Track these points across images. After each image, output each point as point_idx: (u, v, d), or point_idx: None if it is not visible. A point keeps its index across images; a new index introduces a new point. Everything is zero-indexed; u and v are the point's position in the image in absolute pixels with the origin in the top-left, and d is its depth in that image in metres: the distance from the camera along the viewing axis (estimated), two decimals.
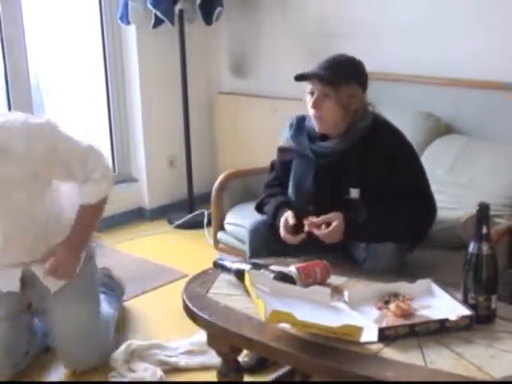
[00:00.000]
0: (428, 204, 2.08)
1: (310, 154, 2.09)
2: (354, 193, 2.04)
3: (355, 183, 2.03)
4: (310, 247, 2.02)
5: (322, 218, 1.99)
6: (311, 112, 2.05)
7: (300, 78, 2.04)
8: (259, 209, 2.24)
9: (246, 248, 2.21)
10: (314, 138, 2.10)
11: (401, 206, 1.99)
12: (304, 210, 2.05)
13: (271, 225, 2.11)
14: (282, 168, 2.22)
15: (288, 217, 2.03)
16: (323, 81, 2.00)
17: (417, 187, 2.06)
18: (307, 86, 2.05)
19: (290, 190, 2.17)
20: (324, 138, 2.10)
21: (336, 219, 1.97)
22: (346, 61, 2.05)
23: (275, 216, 2.09)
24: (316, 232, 1.97)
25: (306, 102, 2.06)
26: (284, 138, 2.21)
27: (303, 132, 2.13)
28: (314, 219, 1.98)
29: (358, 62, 2.07)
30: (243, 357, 2.02)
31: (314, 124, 2.07)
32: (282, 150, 2.22)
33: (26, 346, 2.15)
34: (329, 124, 2.04)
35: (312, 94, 2.03)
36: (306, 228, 1.98)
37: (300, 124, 2.16)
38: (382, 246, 1.98)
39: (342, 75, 2.00)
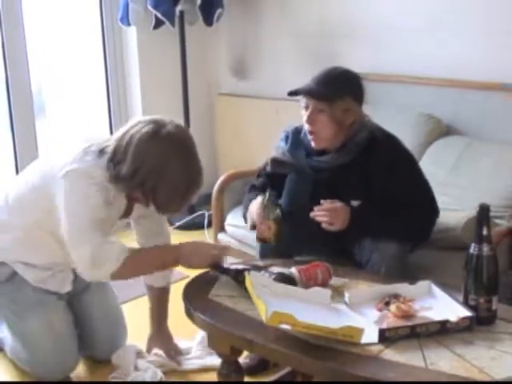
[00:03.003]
0: (431, 206, 2.08)
1: (308, 170, 2.06)
2: (356, 203, 2.03)
3: (356, 196, 2.02)
4: (319, 250, 2.03)
5: (329, 204, 1.97)
6: (306, 127, 2.03)
7: (294, 93, 2.02)
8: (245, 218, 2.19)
9: (252, 249, 2.21)
10: (311, 153, 2.08)
11: (404, 209, 1.99)
12: (298, 228, 2.02)
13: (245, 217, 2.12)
14: (273, 179, 2.15)
15: (256, 200, 2.02)
16: (317, 97, 1.98)
17: (419, 191, 2.06)
18: (302, 100, 2.02)
19: (283, 204, 2.10)
20: (322, 152, 2.08)
21: (341, 204, 1.96)
22: (340, 75, 2.03)
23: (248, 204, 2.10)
24: (320, 213, 1.95)
25: (301, 115, 2.05)
26: (279, 150, 2.17)
27: (300, 146, 2.10)
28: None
29: (354, 74, 2.05)
30: (244, 358, 2.02)
31: (309, 140, 2.05)
32: (276, 162, 2.16)
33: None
34: (324, 140, 2.03)
35: (306, 108, 2.01)
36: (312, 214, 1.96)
37: (296, 137, 2.13)
38: (386, 246, 1.98)
39: (336, 90, 1.98)
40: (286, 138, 2.16)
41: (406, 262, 2.06)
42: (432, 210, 2.08)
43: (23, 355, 2.11)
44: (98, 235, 1.84)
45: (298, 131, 2.14)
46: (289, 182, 2.11)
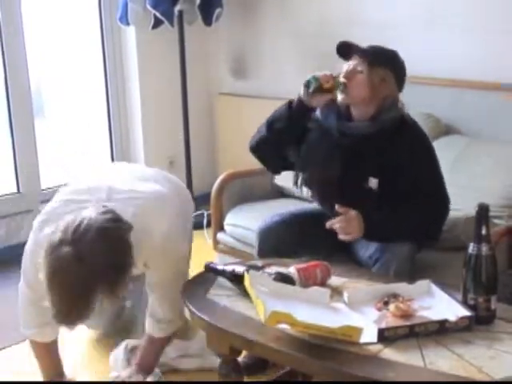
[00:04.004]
0: (443, 201, 2.08)
1: (335, 132, 2.06)
2: (373, 183, 2.02)
3: (375, 172, 2.02)
4: (319, 248, 2.03)
5: (343, 209, 1.96)
6: (341, 80, 2.02)
7: (340, 48, 2.04)
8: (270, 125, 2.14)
9: (251, 248, 2.21)
10: (341, 118, 2.09)
11: (417, 204, 1.99)
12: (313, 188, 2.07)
13: (289, 110, 2.05)
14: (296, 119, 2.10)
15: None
16: (360, 56, 2.01)
17: (435, 184, 2.07)
18: (346, 63, 2.05)
19: (299, 160, 2.13)
20: (351, 119, 2.09)
21: (355, 213, 1.96)
22: (388, 50, 2.09)
23: (290, 103, 2.05)
24: (335, 222, 1.96)
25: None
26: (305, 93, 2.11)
27: (332, 110, 2.10)
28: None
29: (400, 57, 2.10)
30: (242, 357, 2.02)
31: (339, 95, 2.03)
32: (309, 111, 2.10)
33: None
34: (354, 99, 2.03)
35: (348, 65, 2.04)
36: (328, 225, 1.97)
37: (331, 104, 2.10)
38: (398, 246, 1.98)
39: (381, 58, 2.03)
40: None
41: (415, 263, 2.06)
42: (444, 205, 2.08)
43: None
44: None
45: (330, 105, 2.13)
46: (312, 139, 2.12)
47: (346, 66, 2.05)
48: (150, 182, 2.05)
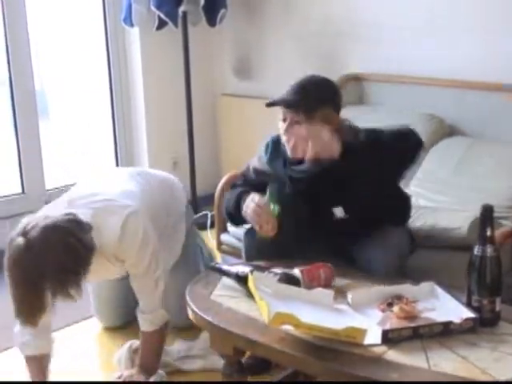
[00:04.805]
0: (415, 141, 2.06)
1: (287, 181, 2.02)
2: (339, 211, 2.00)
3: (337, 201, 2.00)
4: (310, 252, 2.01)
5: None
6: (284, 138, 1.99)
7: (271, 104, 2.00)
8: (232, 219, 2.15)
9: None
10: (289, 163, 2.04)
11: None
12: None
13: (232, 213, 2.06)
14: (255, 185, 2.11)
15: (254, 197, 1.95)
16: (293, 108, 1.94)
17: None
18: (280, 112, 1.99)
19: None
20: (300, 161, 2.02)
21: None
22: (316, 84, 1.99)
23: (238, 201, 2.01)
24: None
25: (279, 128, 2.01)
26: (260, 159, 2.15)
27: (279, 155, 2.07)
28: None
29: (330, 82, 2.02)
30: (246, 358, 2.02)
31: (287, 150, 2.01)
32: (257, 173, 2.16)
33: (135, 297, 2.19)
34: (301, 152, 1.96)
35: (284, 120, 1.98)
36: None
37: (276, 147, 2.09)
38: (387, 246, 1.97)
39: (313, 101, 1.93)
40: (267, 147, 2.12)
41: (406, 263, 2.05)
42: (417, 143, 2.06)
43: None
44: None
45: (278, 141, 2.10)
46: (270, 188, 2.04)
47: (282, 115, 1.98)
48: (123, 182, 2.18)
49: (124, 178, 2.24)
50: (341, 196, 2.00)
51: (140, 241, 1.99)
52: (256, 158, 2.19)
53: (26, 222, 1.81)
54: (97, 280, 2.34)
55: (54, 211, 1.90)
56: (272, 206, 1.92)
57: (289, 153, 2.00)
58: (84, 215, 1.90)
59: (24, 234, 1.76)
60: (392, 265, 1.97)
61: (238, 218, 2.08)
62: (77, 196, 2.05)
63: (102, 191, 2.08)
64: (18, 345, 2.02)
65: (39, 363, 2.02)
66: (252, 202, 1.96)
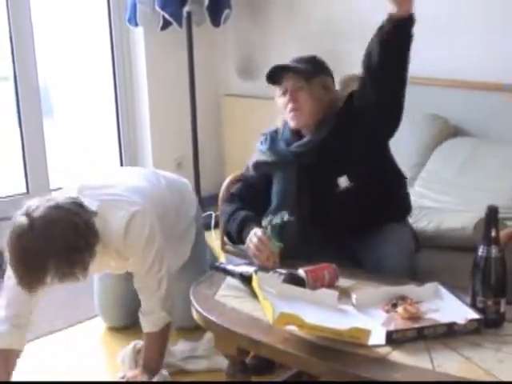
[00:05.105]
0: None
1: (291, 156, 2.07)
2: (343, 181, 2.02)
3: (339, 171, 2.02)
4: (314, 253, 2.00)
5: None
6: (288, 108, 2.04)
7: (272, 76, 2.05)
8: (229, 237, 2.17)
9: None
10: (290, 143, 2.09)
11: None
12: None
13: (232, 236, 2.09)
14: (261, 181, 2.15)
15: (256, 232, 1.94)
16: (296, 74, 2.02)
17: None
18: (277, 90, 2.07)
19: (274, 204, 2.10)
20: (300, 138, 2.09)
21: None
22: (310, 57, 2.10)
23: (241, 228, 2.03)
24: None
25: (278, 106, 2.07)
26: (259, 151, 2.18)
27: (278, 142, 2.13)
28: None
29: (321, 58, 2.12)
30: (249, 358, 2.02)
31: (289, 121, 2.06)
32: (258, 164, 2.17)
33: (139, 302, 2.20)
34: (305, 117, 2.04)
35: (285, 92, 2.05)
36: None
37: (273, 137, 2.15)
38: (393, 248, 1.97)
39: (313, 68, 2.04)
40: (265, 139, 2.18)
41: (414, 265, 2.05)
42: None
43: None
44: None
45: (274, 132, 2.17)
46: (277, 181, 2.12)
47: (281, 90, 2.05)
48: (134, 179, 2.19)
49: (135, 175, 2.25)
50: (343, 164, 2.02)
51: (145, 239, 1.98)
52: (254, 155, 2.22)
53: (28, 204, 1.82)
54: (99, 273, 2.34)
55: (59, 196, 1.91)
56: (273, 241, 1.91)
57: (292, 123, 2.06)
58: (90, 205, 1.90)
59: (27, 214, 1.78)
60: (403, 262, 1.97)
61: (237, 241, 2.11)
62: (87, 186, 2.05)
63: (112, 184, 2.07)
64: None
65: (6, 358, 1.99)
66: (255, 236, 1.95)
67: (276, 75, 2.06)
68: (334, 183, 2.03)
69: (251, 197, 2.16)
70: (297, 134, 2.11)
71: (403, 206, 2.18)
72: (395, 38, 1.87)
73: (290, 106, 2.03)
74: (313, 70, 2.04)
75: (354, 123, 1.99)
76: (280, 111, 2.11)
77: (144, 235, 1.98)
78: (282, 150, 2.11)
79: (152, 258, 2.02)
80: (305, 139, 2.07)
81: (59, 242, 1.76)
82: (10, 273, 1.89)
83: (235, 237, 2.10)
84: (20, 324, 1.98)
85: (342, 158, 2.02)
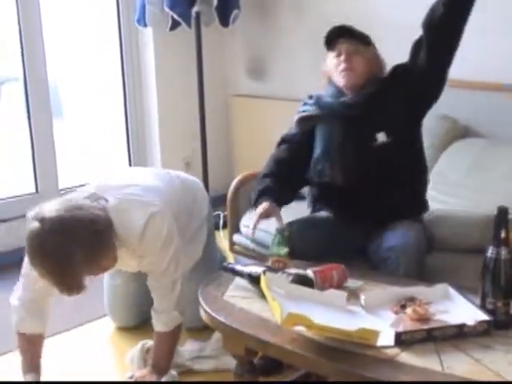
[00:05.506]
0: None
1: (339, 108, 2.19)
2: (381, 136, 2.13)
3: (379, 126, 2.13)
4: (340, 249, 2.09)
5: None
6: (341, 68, 2.16)
7: (333, 33, 2.17)
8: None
9: (267, 250, 2.20)
10: (339, 96, 2.23)
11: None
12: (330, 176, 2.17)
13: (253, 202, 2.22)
14: (303, 138, 2.28)
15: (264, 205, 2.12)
16: (351, 39, 2.15)
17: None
18: (330, 53, 2.19)
19: (317, 153, 2.22)
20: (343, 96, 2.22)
21: None
22: (356, 28, 2.21)
23: (256, 201, 2.20)
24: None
25: (330, 68, 2.21)
26: (304, 106, 2.31)
27: (325, 98, 2.26)
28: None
29: None
30: (257, 358, 2.02)
31: (340, 79, 2.18)
32: (302, 120, 2.29)
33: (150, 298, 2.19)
34: (356, 76, 2.17)
35: (338, 55, 2.17)
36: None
37: (318, 95, 2.29)
38: (404, 245, 2.00)
39: (365, 37, 2.19)
40: (310, 97, 2.31)
41: (424, 263, 2.05)
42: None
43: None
44: None
45: (320, 94, 2.30)
46: (320, 134, 2.24)
47: (335, 52, 2.17)
48: (150, 178, 2.20)
49: (150, 175, 2.25)
50: (383, 121, 2.16)
51: (163, 240, 1.98)
52: (296, 115, 2.32)
53: (39, 208, 1.82)
54: (113, 270, 2.29)
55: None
56: (277, 249, 1.95)
57: (342, 81, 2.19)
58: (108, 204, 1.90)
59: (38, 216, 1.77)
60: (411, 255, 1.99)
61: (253, 203, 2.24)
62: (104, 185, 2.05)
63: (129, 184, 2.07)
64: (13, 320, 2.03)
65: (33, 343, 2.03)
66: (261, 208, 2.14)
67: (330, 39, 2.18)
68: (372, 137, 2.14)
69: (295, 152, 2.30)
70: (341, 92, 2.22)
71: (421, 200, 2.27)
72: None
73: (342, 65, 2.16)
74: (367, 38, 2.19)
75: (398, 86, 2.16)
76: (327, 73, 2.25)
77: (162, 236, 1.98)
78: (329, 102, 2.23)
79: (169, 259, 2.01)
80: (353, 94, 2.19)
81: (80, 234, 1.75)
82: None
83: (253, 199, 2.22)
84: (36, 308, 2.00)
85: (383, 115, 2.15)
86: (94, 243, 1.78)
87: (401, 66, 2.20)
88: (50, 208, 1.79)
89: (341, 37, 2.16)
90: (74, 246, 1.74)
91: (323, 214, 2.30)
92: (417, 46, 2.14)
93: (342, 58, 2.15)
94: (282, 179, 2.23)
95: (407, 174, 2.18)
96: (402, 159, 2.16)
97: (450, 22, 2.02)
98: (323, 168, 2.19)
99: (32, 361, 2.04)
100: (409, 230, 2.05)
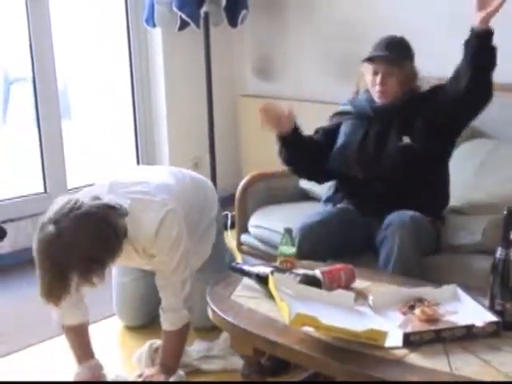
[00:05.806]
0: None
1: (369, 109, 2.34)
2: (406, 138, 2.25)
3: (404, 132, 2.25)
4: (351, 247, 2.20)
5: None
6: (376, 89, 2.28)
7: (369, 59, 2.28)
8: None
9: (275, 250, 2.20)
10: (372, 102, 2.36)
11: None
12: (348, 169, 2.31)
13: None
14: (325, 133, 2.43)
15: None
16: (388, 61, 2.24)
17: None
18: (368, 68, 2.29)
19: (339, 143, 2.37)
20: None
21: None
22: (401, 41, 2.31)
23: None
24: None
25: (367, 81, 2.32)
26: (339, 107, 2.50)
27: (359, 99, 2.43)
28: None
29: (407, 41, 2.32)
30: (265, 359, 2.02)
31: (376, 98, 2.31)
32: (334, 115, 2.49)
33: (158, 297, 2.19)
34: (390, 96, 2.30)
35: (375, 73, 2.27)
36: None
37: (354, 97, 2.51)
38: (401, 221, 2.08)
39: (402, 55, 2.28)
40: (348, 99, 2.50)
41: (421, 237, 2.11)
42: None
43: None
44: None
45: (356, 97, 2.50)
46: (345, 127, 2.40)
47: (373, 69, 2.27)
48: (163, 176, 2.21)
49: (163, 173, 2.27)
50: (405, 128, 2.28)
51: (174, 239, 1.99)
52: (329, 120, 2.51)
53: (57, 207, 1.79)
54: (118, 265, 2.33)
55: (90, 194, 1.89)
56: (285, 248, 1.96)
57: (378, 100, 2.32)
58: (121, 204, 1.90)
59: (56, 221, 1.75)
60: (407, 226, 2.06)
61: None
62: (118, 182, 2.06)
63: (142, 181, 2.09)
64: (55, 317, 2.07)
65: (81, 333, 2.10)
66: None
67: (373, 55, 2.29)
68: (398, 137, 2.26)
69: (323, 139, 2.43)
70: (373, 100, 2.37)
71: (441, 200, 2.37)
72: (480, 49, 2.18)
73: (378, 87, 2.28)
74: (402, 57, 2.27)
75: (429, 103, 2.26)
76: (365, 84, 2.38)
77: (172, 236, 1.99)
78: (362, 102, 2.39)
79: (179, 258, 2.02)
80: (386, 101, 2.31)
81: (83, 256, 1.76)
82: None
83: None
84: (73, 300, 1.99)
85: (406, 125, 2.26)
86: (90, 270, 1.79)
87: (440, 87, 2.28)
88: (69, 216, 1.76)
89: (381, 50, 2.26)
90: (71, 268, 1.75)
91: (338, 206, 2.37)
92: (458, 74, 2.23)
93: (378, 80, 2.26)
94: (308, 142, 2.39)
95: (432, 175, 2.29)
96: (427, 162, 2.26)
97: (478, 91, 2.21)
98: (342, 159, 2.33)
99: (84, 350, 2.11)
100: (408, 211, 2.14)
